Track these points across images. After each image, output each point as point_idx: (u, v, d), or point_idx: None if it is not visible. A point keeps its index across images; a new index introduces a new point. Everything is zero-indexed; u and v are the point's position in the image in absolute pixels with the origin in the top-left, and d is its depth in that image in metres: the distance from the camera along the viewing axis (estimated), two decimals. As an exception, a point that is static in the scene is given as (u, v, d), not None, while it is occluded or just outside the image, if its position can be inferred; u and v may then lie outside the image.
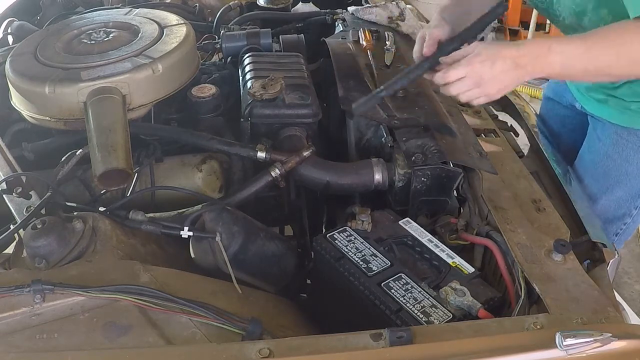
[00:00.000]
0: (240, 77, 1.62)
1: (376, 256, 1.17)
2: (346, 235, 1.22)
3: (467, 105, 1.64)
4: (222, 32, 1.85)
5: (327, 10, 2.12)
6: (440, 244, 1.22)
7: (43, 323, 1.01)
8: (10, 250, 1.20)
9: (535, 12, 4.46)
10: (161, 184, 1.40)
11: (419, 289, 1.10)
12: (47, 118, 1.42)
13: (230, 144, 1.43)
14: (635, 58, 1.21)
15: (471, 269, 1.16)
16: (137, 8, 1.77)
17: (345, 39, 1.87)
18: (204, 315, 1.00)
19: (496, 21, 4.53)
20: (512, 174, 1.39)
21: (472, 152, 1.41)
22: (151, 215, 1.28)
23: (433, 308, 1.07)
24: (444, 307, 1.07)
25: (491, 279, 1.21)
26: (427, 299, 1.08)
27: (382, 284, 1.11)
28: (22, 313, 1.01)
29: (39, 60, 1.49)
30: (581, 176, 1.68)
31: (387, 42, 1.82)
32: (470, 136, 1.48)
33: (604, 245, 1.20)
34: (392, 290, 1.10)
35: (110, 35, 1.56)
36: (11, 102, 1.51)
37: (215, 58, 1.90)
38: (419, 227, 1.27)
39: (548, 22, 4.42)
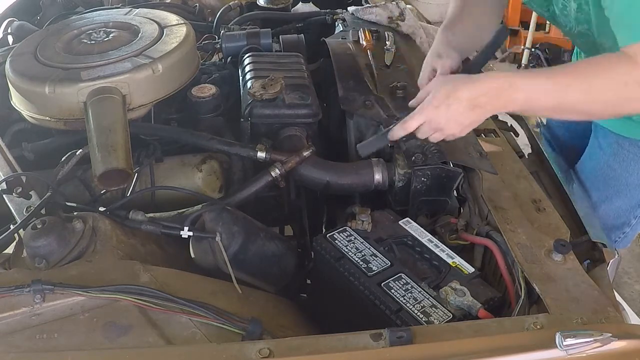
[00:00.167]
0: (240, 77, 1.62)
1: (376, 256, 1.17)
2: (346, 235, 1.22)
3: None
4: (222, 32, 1.85)
5: (327, 10, 2.12)
6: (440, 244, 1.22)
7: (43, 323, 1.01)
8: (10, 250, 1.20)
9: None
10: (161, 184, 1.40)
11: (419, 289, 1.10)
12: (47, 118, 1.42)
13: (230, 144, 1.43)
14: (606, 95, 1.14)
15: (471, 269, 1.16)
16: (137, 8, 1.77)
17: (345, 39, 1.87)
18: (204, 315, 1.00)
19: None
20: (512, 174, 1.39)
21: (472, 152, 1.41)
22: (151, 215, 1.28)
23: (433, 308, 1.07)
24: (444, 307, 1.07)
25: (491, 279, 1.21)
26: (427, 299, 1.08)
27: (382, 284, 1.11)
28: (22, 313, 1.01)
29: (39, 60, 1.49)
30: (582, 182, 1.67)
31: (387, 42, 1.81)
32: (470, 136, 1.48)
33: (604, 245, 1.20)
34: (392, 290, 1.10)
35: (110, 35, 1.56)
36: (11, 102, 1.51)
37: (215, 58, 1.90)
38: (419, 227, 1.27)
39: (548, 22, 4.42)
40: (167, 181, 1.41)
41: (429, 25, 2.05)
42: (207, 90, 1.57)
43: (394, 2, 2.02)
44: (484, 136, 1.56)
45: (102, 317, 1.02)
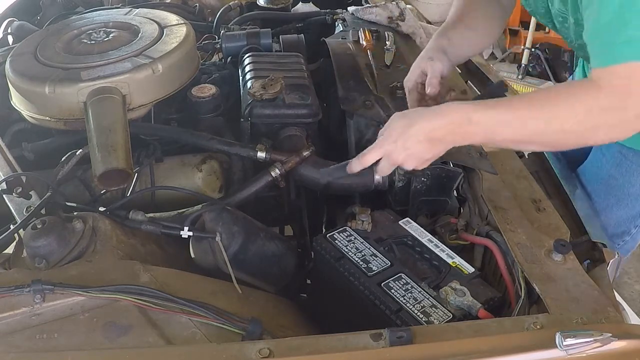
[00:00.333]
0: (240, 77, 1.62)
1: (376, 256, 1.17)
2: (346, 235, 1.22)
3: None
4: (222, 32, 1.85)
5: (327, 10, 2.12)
6: (440, 244, 1.22)
7: (43, 323, 1.01)
8: (10, 250, 1.20)
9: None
10: (161, 184, 1.40)
11: (419, 289, 1.10)
12: (47, 118, 1.42)
13: (230, 144, 1.43)
14: (568, 124, 1.10)
15: (471, 269, 1.16)
16: (137, 8, 1.77)
17: (345, 39, 1.87)
18: (204, 315, 1.00)
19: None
20: (512, 174, 1.39)
21: (472, 152, 1.41)
22: (151, 215, 1.28)
23: (433, 308, 1.07)
24: (444, 307, 1.07)
25: (491, 279, 1.21)
26: (427, 299, 1.08)
27: (382, 284, 1.11)
28: (22, 313, 1.01)
29: (39, 60, 1.48)
30: (583, 189, 1.66)
31: (387, 42, 1.81)
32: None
33: (604, 245, 1.20)
34: (392, 290, 1.10)
35: (110, 35, 1.56)
36: (11, 102, 1.51)
37: (215, 58, 1.90)
38: (419, 227, 1.27)
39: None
40: (167, 181, 1.41)
41: (429, 25, 2.05)
42: (207, 90, 1.57)
43: (394, 2, 2.02)
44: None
45: (102, 317, 1.02)
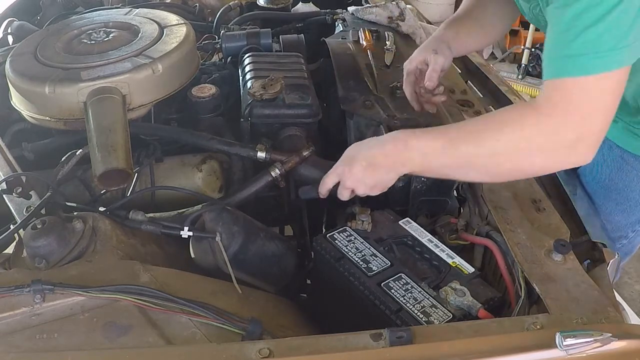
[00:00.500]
0: (240, 77, 1.62)
1: (376, 256, 1.17)
2: (346, 235, 1.22)
3: (467, 105, 1.64)
4: (222, 32, 1.85)
5: (327, 10, 2.12)
6: (440, 244, 1.22)
7: (43, 323, 1.01)
8: (10, 250, 1.20)
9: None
10: (161, 184, 1.40)
11: (419, 289, 1.10)
12: (47, 118, 1.42)
13: (230, 144, 1.43)
14: (497, 147, 1.08)
15: (471, 269, 1.16)
16: (137, 8, 1.77)
17: (345, 39, 1.87)
18: (204, 315, 1.00)
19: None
20: (512, 174, 1.38)
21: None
22: (151, 215, 1.28)
23: (433, 308, 1.07)
24: (444, 307, 1.07)
25: (491, 279, 1.21)
26: (427, 299, 1.08)
27: (382, 284, 1.11)
28: (22, 313, 1.01)
29: (39, 60, 1.49)
30: (584, 188, 1.65)
31: (387, 42, 1.82)
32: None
33: (604, 245, 1.20)
34: (392, 290, 1.10)
35: (110, 35, 1.56)
36: (11, 102, 1.51)
37: (215, 58, 1.90)
38: (419, 227, 1.27)
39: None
40: (167, 181, 1.41)
41: (429, 25, 2.06)
42: (207, 90, 1.57)
43: (394, 2, 2.02)
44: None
45: (102, 317, 1.02)
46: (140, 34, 1.55)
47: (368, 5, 2.09)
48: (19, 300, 1.02)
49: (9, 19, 2.05)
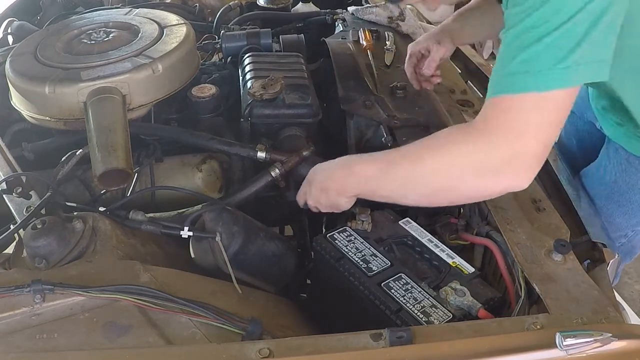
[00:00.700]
0: (240, 77, 1.62)
1: (376, 256, 1.17)
2: (346, 235, 1.22)
3: (467, 105, 1.65)
4: (222, 32, 1.85)
5: (327, 10, 2.12)
6: (440, 244, 1.22)
7: (43, 323, 1.01)
8: (10, 250, 1.20)
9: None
10: (161, 184, 1.40)
11: (419, 289, 1.10)
12: (47, 118, 1.42)
13: (230, 144, 1.43)
14: (431, 167, 1.08)
15: (471, 269, 1.16)
16: (137, 8, 1.77)
17: (345, 39, 1.87)
18: (204, 315, 1.00)
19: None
20: (512, 174, 1.38)
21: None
22: (151, 215, 1.28)
23: (433, 308, 1.07)
24: (444, 307, 1.07)
25: (491, 279, 1.21)
26: (427, 299, 1.08)
27: (382, 284, 1.11)
28: (22, 313, 1.01)
29: (39, 60, 1.49)
30: (586, 189, 1.66)
31: (387, 42, 1.82)
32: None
33: (604, 245, 1.20)
34: (392, 290, 1.10)
35: (110, 35, 1.56)
36: (11, 102, 1.51)
37: (215, 58, 1.90)
38: (419, 227, 1.27)
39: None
40: (167, 181, 1.41)
41: (429, 25, 2.05)
42: (207, 90, 1.57)
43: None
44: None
45: (102, 317, 1.02)
46: (140, 34, 1.55)
47: (368, 5, 2.09)
48: (19, 300, 1.02)
49: (9, 19, 2.05)
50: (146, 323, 1.01)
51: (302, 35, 1.88)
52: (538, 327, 0.95)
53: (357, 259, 1.17)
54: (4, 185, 1.27)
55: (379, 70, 1.68)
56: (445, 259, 1.18)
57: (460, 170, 1.06)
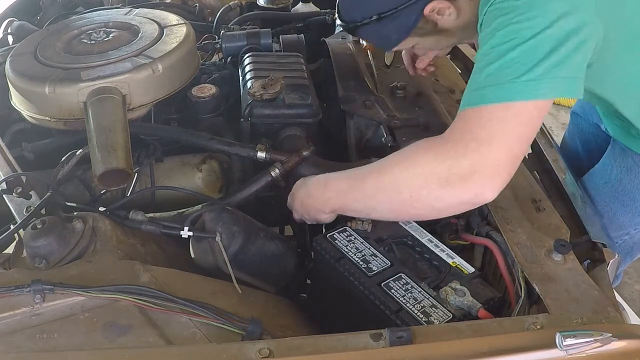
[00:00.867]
0: (240, 77, 1.62)
1: (376, 256, 1.17)
2: (346, 235, 1.22)
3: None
4: (222, 32, 1.85)
5: (327, 10, 2.12)
6: (440, 244, 1.22)
7: (43, 323, 1.01)
8: (10, 250, 1.20)
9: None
10: (161, 184, 1.40)
11: (419, 289, 1.10)
12: (47, 118, 1.42)
13: (230, 144, 1.43)
14: (397, 177, 1.11)
15: (471, 269, 1.16)
16: (137, 8, 1.77)
17: (345, 39, 1.87)
18: (204, 315, 1.00)
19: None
20: (512, 173, 1.38)
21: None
22: (151, 215, 1.28)
23: (433, 308, 1.07)
24: (444, 307, 1.07)
25: (491, 279, 1.20)
26: (427, 299, 1.08)
27: (382, 284, 1.11)
28: (22, 313, 1.01)
29: (39, 60, 1.49)
30: (589, 190, 1.66)
31: (387, 42, 1.81)
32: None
33: (604, 245, 1.20)
34: (392, 290, 1.10)
35: (110, 35, 1.56)
36: (11, 102, 1.51)
37: (215, 58, 1.90)
38: (419, 227, 1.27)
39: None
40: (167, 181, 1.41)
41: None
42: (207, 90, 1.57)
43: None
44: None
45: (102, 317, 1.02)
46: (140, 34, 1.55)
47: (368, 5, 2.08)
48: (19, 300, 1.02)
49: (9, 19, 2.04)
50: (146, 323, 1.01)
51: (302, 35, 1.88)
52: (538, 327, 0.95)
53: (357, 259, 1.17)
54: (4, 185, 1.27)
55: (379, 70, 1.69)
56: (445, 259, 1.18)
57: (425, 180, 1.08)
